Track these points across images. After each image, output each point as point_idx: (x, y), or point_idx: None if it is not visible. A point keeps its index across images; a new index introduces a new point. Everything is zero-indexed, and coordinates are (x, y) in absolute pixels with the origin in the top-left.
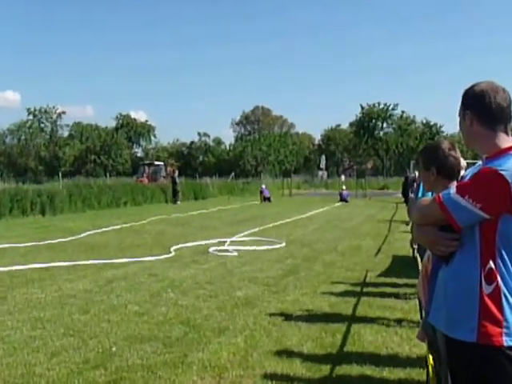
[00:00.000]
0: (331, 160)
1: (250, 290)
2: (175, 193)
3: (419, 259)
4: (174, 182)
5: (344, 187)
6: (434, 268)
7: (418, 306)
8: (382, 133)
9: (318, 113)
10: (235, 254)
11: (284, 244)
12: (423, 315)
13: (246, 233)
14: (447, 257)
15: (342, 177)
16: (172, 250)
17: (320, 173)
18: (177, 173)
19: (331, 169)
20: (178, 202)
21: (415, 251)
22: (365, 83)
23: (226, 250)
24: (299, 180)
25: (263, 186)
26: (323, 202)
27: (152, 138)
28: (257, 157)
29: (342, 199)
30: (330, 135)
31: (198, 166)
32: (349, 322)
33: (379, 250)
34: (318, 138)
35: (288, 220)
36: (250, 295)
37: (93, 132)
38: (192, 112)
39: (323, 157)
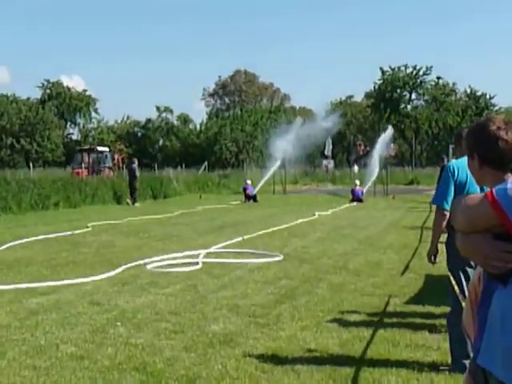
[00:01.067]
0: (340, 145)
1: (230, 323)
2: (133, 190)
3: (453, 279)
4: (131, 176)
5: (358, 182)
6: (485, 291)
7: (449, 345)
8: (409, 107)
9: (321, 80)
10: (198, 266)
11: (281, 257)
12: (471, 355)
13: (224, 244)
14: (505, 275)
15: (355, 168)
16: (122, 268)
17: (325, 162)
18: (136, 163)
19: (340, 156)
20: (137, 204)
21: (449, 272)
22: (386, 39)
23: (189, 264)
24: (296, 172)
25: (248, 182)
26: (329, 202)
27: (93, 114)
28: (238, 140)
29: (356, 198)
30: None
31: (156, 153)
32: (365, 367)
33: (407, 268)
34: (321, 114)
35: (281, 227)
36: (230, 330)
37: (9, 106)
38: (149, 78)
39: (329, 140)
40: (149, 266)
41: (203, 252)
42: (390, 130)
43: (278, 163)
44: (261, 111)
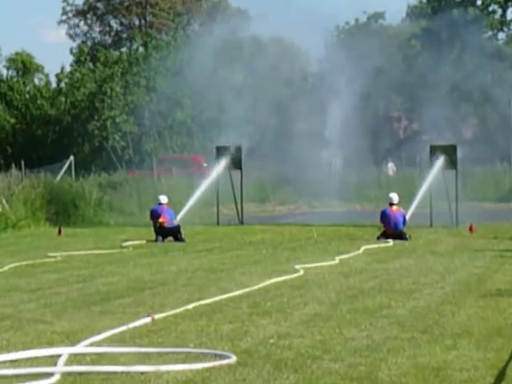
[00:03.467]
0: (357, 118)
1: None
2: None
3: None
4: None
5: (395, 198)
6: None
7: None
8: (503, 36)
9: None
10: (54, 381)
11: (234, 359)
12: None
13: (111, 333)
14: None
15: (390, 166)
16: None
17: (325, 155)
18: None
19: (357, 144)
20: None
21: None
22: None
23: (36, 376)
24: (266, 177)
25: (162, 200)
26: (335, 240)
27: None
28: (140, 109)
29: (391, 231)
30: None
31: None
32: None
33: (501, 378)
34: (319, 53)
35: (234, 294)
36: None
37: None
38: None
39: (333, 106)
40: None
41: (66, 351)
42: None
43: (226, 161)
44: (188, 44)
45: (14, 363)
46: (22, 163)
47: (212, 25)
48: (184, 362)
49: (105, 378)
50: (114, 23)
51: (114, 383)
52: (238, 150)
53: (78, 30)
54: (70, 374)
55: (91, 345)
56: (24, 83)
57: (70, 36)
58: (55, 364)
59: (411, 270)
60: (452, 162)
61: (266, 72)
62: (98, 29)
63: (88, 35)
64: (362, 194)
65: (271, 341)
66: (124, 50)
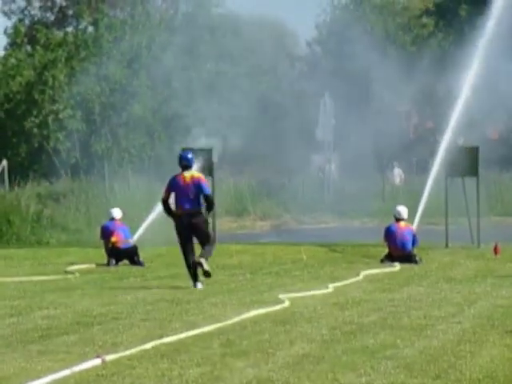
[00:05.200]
0: (356, 115)
1: None
2: None
3: None
4: None
5: (403, 213)
6: None
7: None
8: None
9: None
10: None
11: None
12: None
13: (56, 376)
14: None
15: (397, 173)
16: None
17: (317, 160)
18: None
19: (356, 146)
20: None
21: None
22: None
23: None
24: (246, 185)
25: (115, 214)
26: (328, 264)
27: None
28: (90, 101)
29: (398, 255)
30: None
31: None
32: None
33: None
34: (309, 33)
35: (205, 329)
36: None
37: None
38: None
39: (326, 103)
40: None
41: None
42: None
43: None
44: (148, 25)
45: None
46: None
47: None
48: None
49: None
50: None
51: None
52: (209, 152)
53: (13, 6)
54: None
55: None
56: None
57: (4, 13)
58: None
59: (422, 301)
60: (473, 168)
61: (243, 57)
62: (37, 4)
63: (26, 12)
64: (362, 207)
65: None
66: (70, 29)
